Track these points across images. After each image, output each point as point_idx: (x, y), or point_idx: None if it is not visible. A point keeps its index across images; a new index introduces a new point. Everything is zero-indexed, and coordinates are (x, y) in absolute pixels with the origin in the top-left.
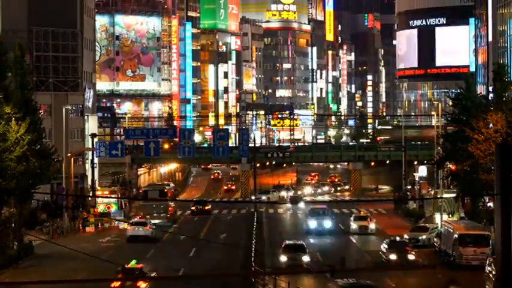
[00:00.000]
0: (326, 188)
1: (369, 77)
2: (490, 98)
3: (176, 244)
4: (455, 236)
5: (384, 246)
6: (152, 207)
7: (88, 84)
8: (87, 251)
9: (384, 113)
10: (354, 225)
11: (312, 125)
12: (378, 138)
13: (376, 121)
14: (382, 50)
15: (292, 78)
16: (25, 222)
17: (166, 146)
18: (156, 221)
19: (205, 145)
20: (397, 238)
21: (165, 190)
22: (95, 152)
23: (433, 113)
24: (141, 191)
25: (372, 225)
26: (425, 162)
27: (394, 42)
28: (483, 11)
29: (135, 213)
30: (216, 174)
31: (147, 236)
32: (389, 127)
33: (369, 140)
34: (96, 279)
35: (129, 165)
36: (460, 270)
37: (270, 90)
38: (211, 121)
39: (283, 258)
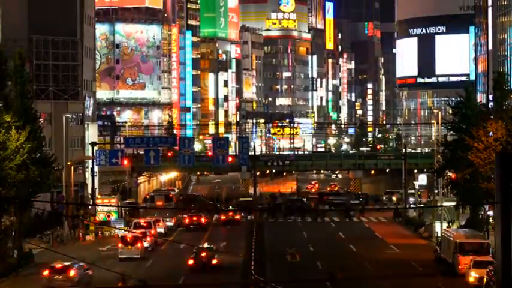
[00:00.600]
0: None
1: (369, 86)
2: (490, 107)
3: (176, 253)
4: (455, 244)
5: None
6: None
7: (88, 93)
8: (87, 259)
9: (384, 122)
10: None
11: (312, 133)
12: (378, 147)
13: (376, 129)
14: (382, 59)
15: (292, 86)
16: (26, 232)
17: (169, 154)
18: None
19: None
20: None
21: (171, 195)
22: (94, 160)
23: (433, 121)
24: (147, 196)
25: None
26: (425, 170)
27: (394, 50)
28: (483, 20)
29: None
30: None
31: None
32: None
33: (368, 149)
34: None
35: (129, 174)
36: (459, 278)
37: (270, 99)
38: (211, 129)
39: None
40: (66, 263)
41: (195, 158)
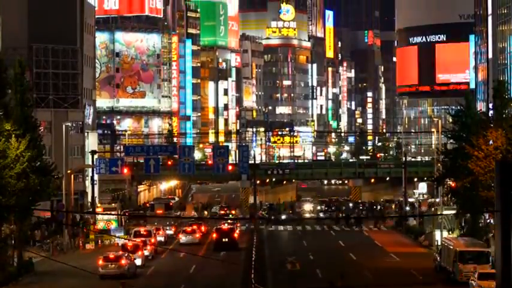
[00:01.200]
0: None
1: (369, 94)
2: (490, 115)
3: (176, 261)
4: (455, 252)
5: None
6: None
7: (88, 101)
8: (87, 268)
9: (384, 130)
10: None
11: (312, 142)
12: (378, 155)
13: (376, 138)
14: (382, 67)
15: (292, 95)
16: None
17: (169, 162)
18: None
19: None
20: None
21: (171, 204)
22: (94, 168)
23: (433, 129)
24: (147, 205)
25: None
26: (425, 179)
27: (394, 59)
28: (483, 28)
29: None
30: None
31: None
32: None
33: (368, 157)
34: None
35: (129, 182)
36: (459, 287)
37: (270, 107)
38: (211, 138)
39: None
40: (118, 253)
41: (195, 166)
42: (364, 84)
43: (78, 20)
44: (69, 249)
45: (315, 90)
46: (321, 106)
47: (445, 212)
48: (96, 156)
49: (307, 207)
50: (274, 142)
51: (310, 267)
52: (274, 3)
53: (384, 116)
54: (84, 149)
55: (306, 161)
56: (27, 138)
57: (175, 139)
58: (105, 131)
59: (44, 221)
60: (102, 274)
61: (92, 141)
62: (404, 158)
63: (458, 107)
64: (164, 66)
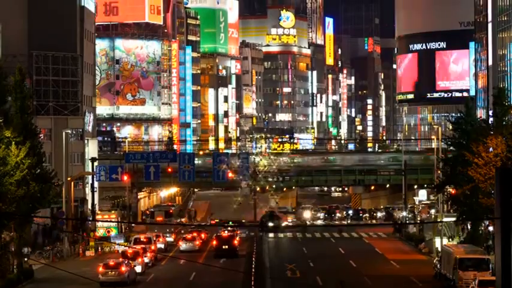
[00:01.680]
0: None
1: (369, 101)
2: (490, 122)
3: (176, 268)
4: (455, 259)
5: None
6: None
7: (88, 108)
8: (87, 275)
9: (384, 137)
10: None
11: (312, 149)
12: None
13: (376, 145)
14: (382, 74)
15: (292, 102)
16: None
17: (169, 169)
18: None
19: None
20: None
21: (171, 211)
22: (94, 176)
23: (433, 137)
24: (147, 212)
25: None
26: (425, 186)
27: (394, 66)
28: (483, 35)
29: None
30: None
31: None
32: None
33: None
34: None
35: (129, 189)
36: None
37: (270, 114)
38: (211, 145)
39: None
40: (118, 260)
41: (195, 173)
42: (364, 92)
43: (78, 27)
44: (69, 256)
45: (314, 98)
46: (321, 113)
47: (445, 219)
48: (96, 164)
49: (307, 214)
50: (274, 149)
51: (310, 275)
52: (274, 10)
53: (383, 123)
54: (84, 156)
55: None
56: (27, 146)
57: (175, 146)
58: (105, 138)
59: (43, 229)
60: (102, 281)
61: (92, 149)
62: (404, 165)
63: (459, 114)
64: (164, 73)
